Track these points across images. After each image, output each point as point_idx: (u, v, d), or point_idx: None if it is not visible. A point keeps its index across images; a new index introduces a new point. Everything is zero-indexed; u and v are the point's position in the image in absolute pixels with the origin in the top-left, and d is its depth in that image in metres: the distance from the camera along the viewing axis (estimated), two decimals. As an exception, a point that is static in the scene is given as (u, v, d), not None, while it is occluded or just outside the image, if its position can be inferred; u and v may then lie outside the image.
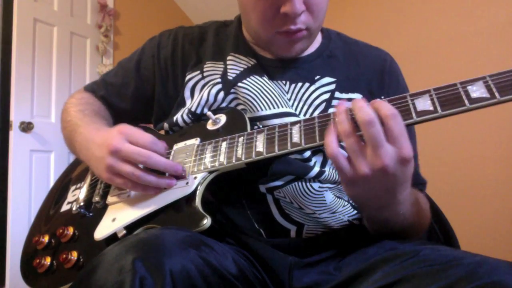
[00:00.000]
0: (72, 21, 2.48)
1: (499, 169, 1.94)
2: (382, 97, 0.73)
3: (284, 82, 0.73)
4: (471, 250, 0.52)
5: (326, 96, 0.72)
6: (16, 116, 2.08)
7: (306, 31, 0.69)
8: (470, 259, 0.45)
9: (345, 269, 0.60)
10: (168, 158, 0.69)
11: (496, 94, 0.46)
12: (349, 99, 0.71)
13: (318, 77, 0.73)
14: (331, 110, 0.70)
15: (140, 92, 0.84)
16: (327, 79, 0.73)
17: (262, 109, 0.70)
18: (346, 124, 0.49)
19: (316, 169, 0.67)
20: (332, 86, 0.72)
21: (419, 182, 0.76)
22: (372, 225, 0.65)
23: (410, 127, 0.61)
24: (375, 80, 0.75)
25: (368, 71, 0.75)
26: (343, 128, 0.49)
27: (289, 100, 0.72)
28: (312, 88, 0.72)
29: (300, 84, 0.73)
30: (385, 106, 0.49)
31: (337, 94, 0.72)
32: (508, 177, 1.91)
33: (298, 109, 0.71)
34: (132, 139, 0.60)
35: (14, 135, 2.07)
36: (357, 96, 0.73)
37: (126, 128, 0.62)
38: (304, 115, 0.71)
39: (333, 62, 0.76)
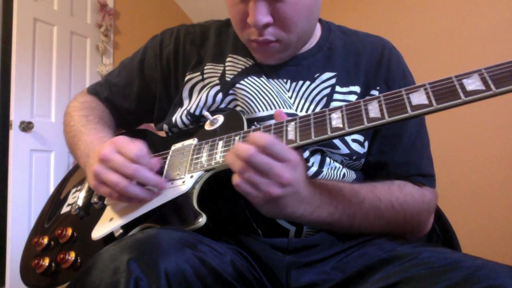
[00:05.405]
0: (72, 20, 2.48)
1: (500, 169, 1.93)
2: (378, 87, 0.73)
3: (285, 80, 0.73)
4: (471, 250, 0.52)
5: (327, 91, 0.71)
6: (16, 115, 2.08)
7: (278, 43, 0.67)
8: (469, 262, 0.44)
9: (343, 269, 0.59)
10: (165, 159, 0.69)
11: (492, 86, 0.45)
12: (350, 92, 0.71)
13: (317, 74, 0.73)
14: (332, 104, 0.70)
15: (144, 92, 0.83)
16: (327, 75, 0.73)
17: (259, 110, 0.70)
18: (238, 162, 0.52)
19: (314, 169, 0.66)
20: (333, 81, 0.72)
21: (416, 174, 0.72)
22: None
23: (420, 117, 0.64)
24: (372, 71, 0.74)
25: (367, 60, 0.74)
26: (238, 167, 0.52)
27: (290, 98, 0.72)
28: (313, 85, 0.72)
29: (301, 82, 0.72)
30: (258, 137, 0.51)
31: (337, 88, 0.72)
32: (509, 178, 1.90)
33: (300, 106, 0.71)
34: (122, 151, 0.59)
35: (14, 134, 2.07)
36: (356, 88, 0.72)
37: (119, 139, 0.61)
38: (306, 111, 0.70)
39: (333, 55, 0.75)
